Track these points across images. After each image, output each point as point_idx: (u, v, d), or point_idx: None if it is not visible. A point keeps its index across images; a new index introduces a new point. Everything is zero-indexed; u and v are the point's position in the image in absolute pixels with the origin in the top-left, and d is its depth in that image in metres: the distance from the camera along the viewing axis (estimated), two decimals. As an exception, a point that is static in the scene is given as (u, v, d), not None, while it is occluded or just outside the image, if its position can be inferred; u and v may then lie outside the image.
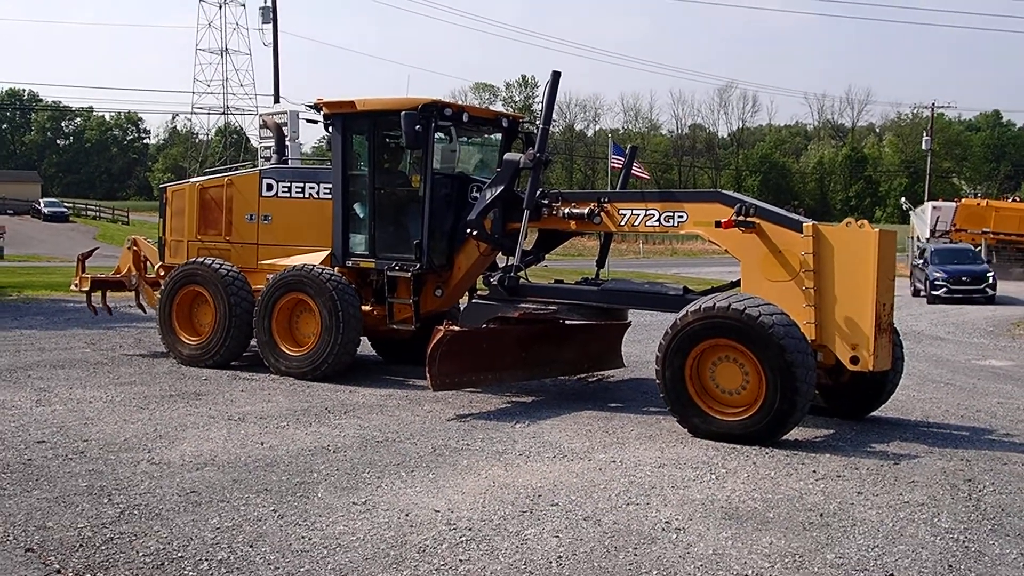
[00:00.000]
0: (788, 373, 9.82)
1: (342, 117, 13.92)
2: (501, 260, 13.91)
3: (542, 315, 12.66)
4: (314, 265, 13.81)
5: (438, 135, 13.56)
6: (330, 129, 14.12)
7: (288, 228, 14.84)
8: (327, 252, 14.16)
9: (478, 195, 13.32)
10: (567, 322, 13.44)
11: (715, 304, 10.26)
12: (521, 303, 12.57)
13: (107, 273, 18.36)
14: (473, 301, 13.40)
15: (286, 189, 14.90)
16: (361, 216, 14.05)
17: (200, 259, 15.10)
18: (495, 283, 12.75)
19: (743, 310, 10.04)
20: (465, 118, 13.60)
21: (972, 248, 40.89)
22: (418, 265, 13.34)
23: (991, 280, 35.34)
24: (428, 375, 11.58)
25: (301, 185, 14.80)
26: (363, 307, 14.06)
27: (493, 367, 12.58)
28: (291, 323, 13.99)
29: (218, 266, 14.70)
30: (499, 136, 14.60)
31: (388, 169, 14.25)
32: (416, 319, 13.70)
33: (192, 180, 16.69)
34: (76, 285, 17.74)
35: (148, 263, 17.06)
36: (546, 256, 13.96)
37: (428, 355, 11.54)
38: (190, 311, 15.11)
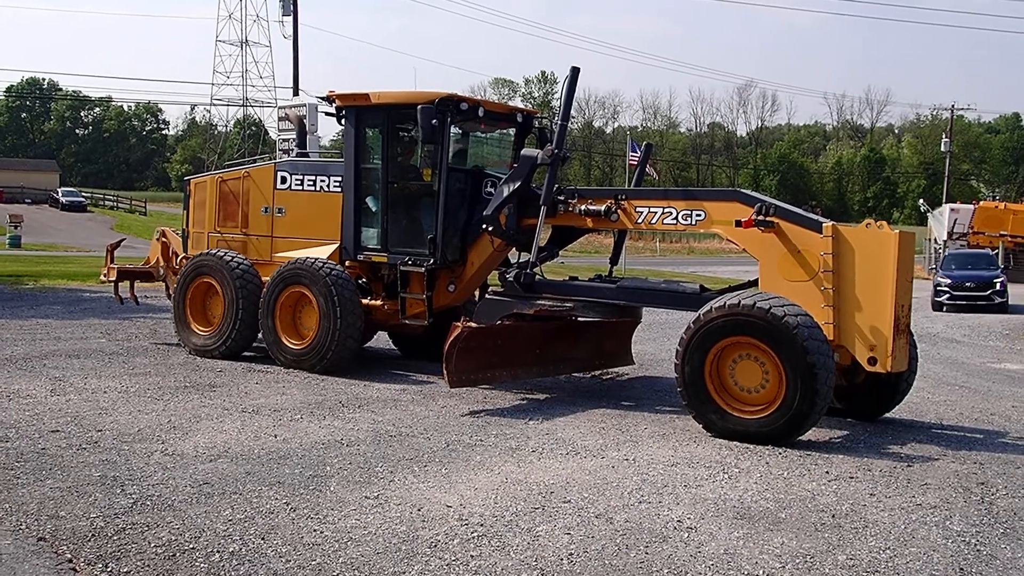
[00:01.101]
0: (809, 374, 9.80)
1: (355, 110, 13.92)
2: (512, 256, 13.90)
3: (557, 312, 12.64)
4: (307, 257, 13.86)
5: (453, 129, 13.55)
6: (342, 122, 14.12)
7: (302, 221, 14.84)
8: (335, 246, 14.19)
9: (492, 190, 13.32)
10: (579, 319, 13.41)
11: (740, 302, 10.25)
12: (537, 300, 12.56)
13: (134, 264, 18.59)
14: (487, 297, 13.39)
15: (299, 182, 14.89)
16: (374, 210, 14.04)
17: (210, 251, 15.20)
18: (511, 279, 12.74)
19: (768, 309, 10.03)
20: (481, 112, 13.57)
21: (989, 253, 38.64)
22: (432, 260, 13.34)
23: (999, 287, 32.57)
24: (445, 372, 11.55)
25: (314, 178, 14.78)
26: (374, 302, 14.12)
27: (509, 364, 12.57)
28: (295, 319, 14.02)
29: (225, 255, 14.80)
30: (513, 131, 14.59)
31: (401, 163, 14.24)
32: (429, 314, 13.71)
33: (214, 173, 16.80)
34: (105, 275, 17.92)
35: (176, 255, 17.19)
36: (560, 252, 13.95)
37: (445, 352, 11.52)
38: (204, 303, 15.19)
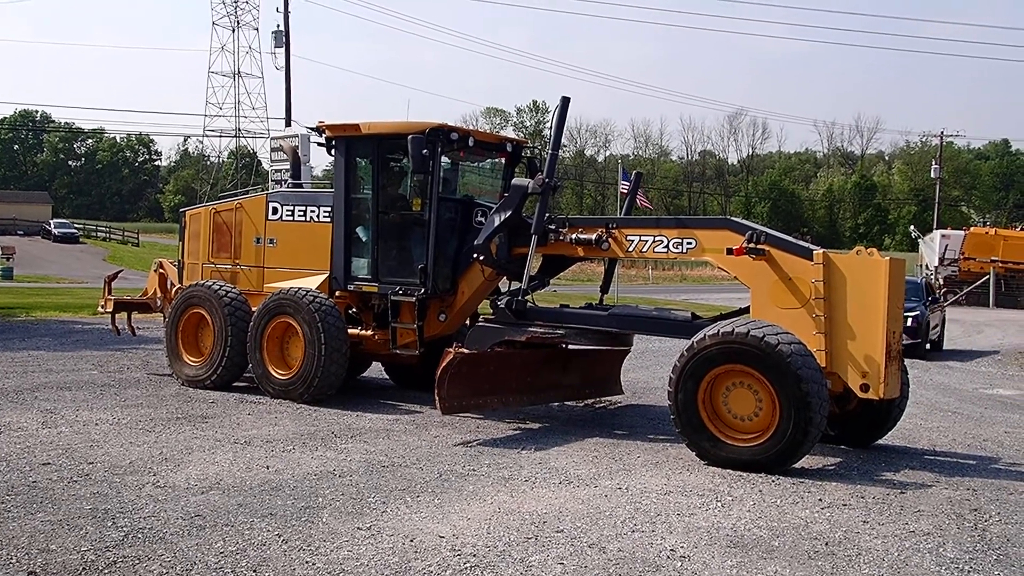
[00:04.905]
0: (803, 403, 9.80)
1: (346, 140, 13.94)
2: (503, 285, 13.91)
3: (548, 339, 12.64)
4: (291, 287, 13.89)
5: (443, 159, 13.56)
6: (333, 152, 14.14)
7: (293, 251, 14.83)
8: (324, 276, 14.19)
9: (483, 220, 13.33)
10: (570, 347, 13.41)
11: (734, 330, 10.24)
12: (528, 327, 12.56)
13: (131, 295, 18.67)
14: (478, 324, 13.38)
15: (290, 212, 14.91)
16: (364, 240, 14.04)
17: (201, 281, 15.20)
18: (503, 306, 12.75)
19: (762, 337, 10.03)
20: (471, 142, 13.60)
21: (918, 281, 28.83)
22: (422, 290, 13.33)
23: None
24: (436, 398, 11.55)
25: (304, 208, 14.78)
26: (365, 332, 14.10)
27: (500, 391, 12.57)
28: (283, 350, 14.00)
29: (214, 285, 14.83)
30: (503, 160, 14.62)
31: (392, 193, 14.26)
32: (420, 344, 13.68)
33: (208, 204, 16.86)
34: (102, 307, 17.96)
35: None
36: (551, 281, 13.95)
37: (437, 378, 11.54)
38: (195, 334, 15.15)
